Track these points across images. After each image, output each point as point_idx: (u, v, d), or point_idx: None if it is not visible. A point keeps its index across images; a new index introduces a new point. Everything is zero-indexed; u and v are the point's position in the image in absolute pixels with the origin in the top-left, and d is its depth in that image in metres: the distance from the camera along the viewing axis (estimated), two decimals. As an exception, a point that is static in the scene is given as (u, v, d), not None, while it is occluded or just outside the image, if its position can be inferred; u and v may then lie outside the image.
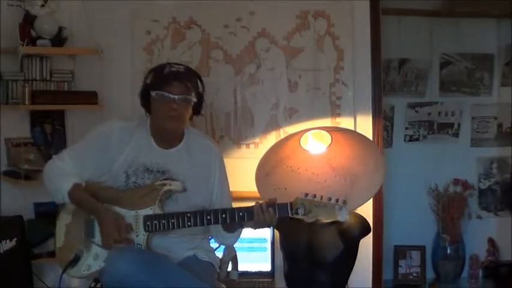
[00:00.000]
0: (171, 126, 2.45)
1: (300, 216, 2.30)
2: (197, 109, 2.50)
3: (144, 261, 2.26)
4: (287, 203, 2.32)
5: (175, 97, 2.38)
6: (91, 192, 2.47)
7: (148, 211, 2.41)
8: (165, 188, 2.43)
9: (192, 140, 2.56)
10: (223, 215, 2.37)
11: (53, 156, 2.61)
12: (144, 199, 2.43)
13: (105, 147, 2.48)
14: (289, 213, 2.31)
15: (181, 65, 2.50)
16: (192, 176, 2.50)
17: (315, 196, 2.29)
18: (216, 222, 2.39)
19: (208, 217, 2.38)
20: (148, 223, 2.40)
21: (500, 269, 3.95)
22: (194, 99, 2.44)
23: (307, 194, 2.30)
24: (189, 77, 2.45)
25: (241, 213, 2.37)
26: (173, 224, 2.38)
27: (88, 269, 2.43)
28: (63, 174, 2.49)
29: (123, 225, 2.39)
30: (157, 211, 2.41)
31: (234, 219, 2.37)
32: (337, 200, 2.29)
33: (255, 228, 2.45)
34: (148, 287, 2.22)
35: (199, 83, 2.49)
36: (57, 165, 2.52)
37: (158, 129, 2.48)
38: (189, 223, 2.38)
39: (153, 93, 2.41)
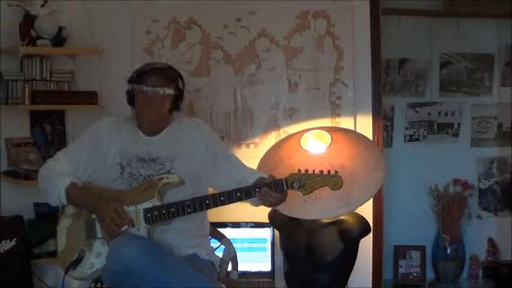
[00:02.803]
0: (149, 114, 2.53)
1: (295, 190, 2.36)
2: (176, 104, 2.57)
3: (149, 248, 2.28)
4: (282, 179, 2.37)
5: (148, 89, 2.47)
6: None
7: (148, 204, 2.44)
8: (163, 181, 2.46)
9: (175, 123, 2.63)
10: (221, 198, 2.40)
11: (47, 159, 2.65)
12: (142, 195, 2.45)
13: (96, 140, 2.56)
14: (285, 187, 2.36)
15: (163, 63, 2.62)
16: (183, 155, 2.54)
17: (307, 170, 2.36)
18: (215, 205, 2.42)
19: (207, 201, 2.41)
20: (148, 215, 2.42)
21: (500, 269, 3.96)
22: (170, 92, 2.51)
23: (300, 170, 2.37)
24: (167, 72, 2.56)
25: (238, 194, 2.40)
26: (173, 212, 2.41)
27: (91, 267, 2.44)
28: (59, 174, 2.52)
29: (122, 211, 2.40)
30: (157, 203, 2.44)
31: (233, 200, 2.41)
32: (328, 171, 2.36)
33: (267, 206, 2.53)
34: (151, 273, 2.22)
35: (179, 80, 2.58)
36: (53, 167, 2.57)
37: (140, 119, 2.57)
38: (188, 209, 2.41)
39: (134, 86, 2.51)
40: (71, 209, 2.54)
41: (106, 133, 2.57)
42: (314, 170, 2.36)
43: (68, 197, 2.48)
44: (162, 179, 2.47)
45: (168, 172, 2.50)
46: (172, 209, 2.41)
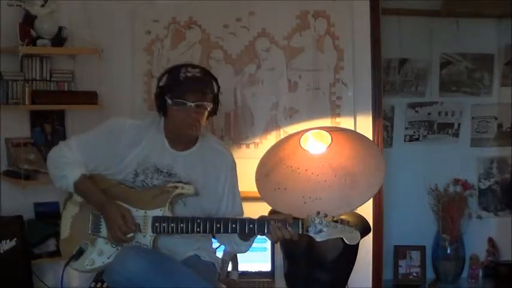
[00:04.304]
0: (190, 132, 2.42)
1: (310, 235, 2.29)
2: (213, 111, 2.47)
3: (154, 261, 2.25)
4: (298, 221, 2.31)
5: (192, 105, 2.35)
6: (101, 188, 2.45)
7: (158, 212, 2.39)
8: (177, 191, 2.41)
9: (206, 144, 2.53)
10: (233, 225, 2.34)
11: (60, 142, 2.56)
12: (154, 200, 2.40)
13: (114, 142, 2.44)
14: (300, 230, 2.30)
15: (196, 67, 2.45)
16: (202, 180, 2.47)
17: (326, 216, 2.30)
18: (226, 231, 2.36)
19: (218, 225, 2.35)
20: (156, 224, 2.38)
21: (500, 269, 3.96)
22: (210, 105, 2.41)
23: (318, 213, 2.30)
24: (206, 82, 2.42)
25: (251, 225, 2.33)
26: (182, 228, 2.35)
27: (91, 263, 2.42)
28: (70, 163, 2.46)
29: (130, 218, 2.36)
30: (167, 213, 2.39)
31: (244, 231, 2.35)
32: (348, 222, 2.30)
33: (274, 242, 2.47)
34: (157, 287, 2.21)
35: (214, 86, 2.45)
36: (65, 154, 2.48)
37: (174, 133, 2.46)
38: (198, 229, 2.35)
39: (169, 100, 2.38)
40: (79, 197, 2.49)
41: (127, 138, 2.44)
42: (333, 217, 2.30)
43: (76, 188, 2.44)
44: (176, 187, 2.41)
45: (184, 182, 2.43)
46: (182, 225, 2.35)
